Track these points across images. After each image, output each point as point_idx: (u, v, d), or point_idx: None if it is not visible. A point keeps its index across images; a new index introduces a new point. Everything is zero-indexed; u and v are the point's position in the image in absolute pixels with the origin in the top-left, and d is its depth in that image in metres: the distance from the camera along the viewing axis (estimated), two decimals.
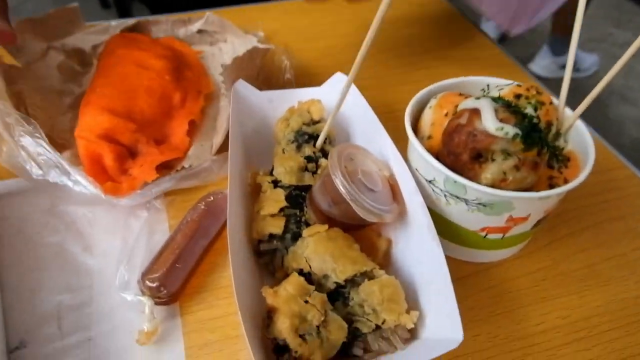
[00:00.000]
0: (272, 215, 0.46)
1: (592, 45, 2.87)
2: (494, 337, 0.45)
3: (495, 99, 0.43)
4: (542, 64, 2.78)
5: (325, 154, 0.52)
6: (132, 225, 0.53)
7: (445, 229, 0.47)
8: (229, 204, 0.43)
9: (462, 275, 0.49)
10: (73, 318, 0.46)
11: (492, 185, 0.41)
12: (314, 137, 0.53)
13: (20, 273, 0.49)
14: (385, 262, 0.48)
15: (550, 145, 0.45)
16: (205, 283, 0.48)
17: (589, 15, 2.51)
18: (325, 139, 0.53)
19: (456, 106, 0.46)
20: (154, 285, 0.45)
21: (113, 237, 0.52)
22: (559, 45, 2.67)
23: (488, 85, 0.52)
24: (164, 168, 0.57)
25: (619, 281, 0.49)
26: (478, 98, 0.43)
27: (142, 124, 0.59)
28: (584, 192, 0.58)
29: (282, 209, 0.46)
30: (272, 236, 0.45)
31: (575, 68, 2.74)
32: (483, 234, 0.46)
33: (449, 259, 0.40)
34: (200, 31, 0.80)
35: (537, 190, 0.42)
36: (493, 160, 0.40)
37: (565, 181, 0.44)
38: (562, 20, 2.61)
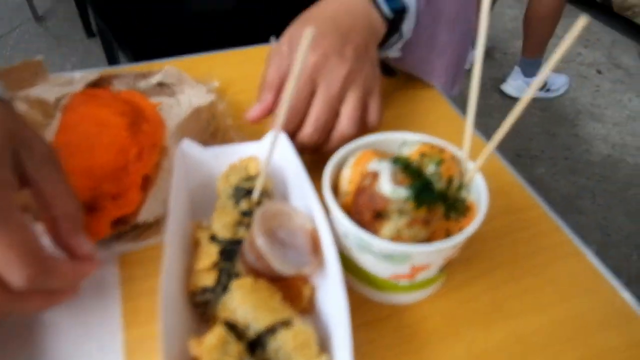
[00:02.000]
0: (206, 269, 0.51)
1: (562, 65, 2.98)
2: None
3: (396, 160, 0.49)
4: (513, 84, 2.88)
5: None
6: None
7: (362, 276, 0.53)
8: (165, 258, 0.48)
9: (379, 317, 0.55)
10: None
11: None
12: (251, 192, 0.59)
13: None
14: (310, 307, 0.53)
15: (450, 199, 0.52)
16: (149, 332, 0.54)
17: (559, 36, 2.61)
18: (261, 192, 0.59)
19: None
20: None
21: None
22: (529, 67, 2.77)
23: (405, 140, 0.58)
24: (120, 224, 0.63)
25: (521, 315, 0.56)
26: (381, 160, 0.49)
27: (100, 180, 0.65)
28: (499, 232, 0.64)
29: (217, 262, 0.52)
30: (205, 288, 0.51)
31: (546, 89, 2.83)
32: (394, 280, 0.52)
33: (369, 302, 0.52)
34: (159, 84, 0.86)
35: (433, 242, 0.48)
36: (390, 219, 0.46)
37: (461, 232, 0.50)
38: (531, 44, 2.70)
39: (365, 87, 0.66)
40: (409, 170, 0.48)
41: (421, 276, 0.51)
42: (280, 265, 0.48)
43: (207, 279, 0.51)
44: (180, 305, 0.50)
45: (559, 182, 2.40)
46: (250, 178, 0.61)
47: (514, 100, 2.70)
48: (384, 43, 0.74)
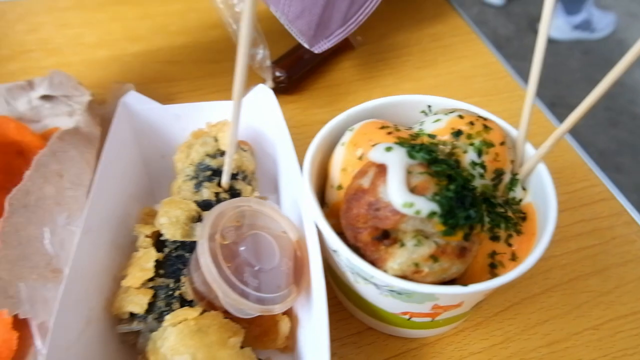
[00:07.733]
0: (137, 287, 0.36)
1: (608, 1, 2.64)
2: None
3: (413, 150, 0.31)
4: (554, 24, 2.57)
5: (237, 196, 0.41)
6: None
7: (361, 304, 0.37)
8: (71, 263, 0.33)
9: (389, 356, 0.39)
10: None
11: (403, 276, 0.30)
12: (219, 173, 0.42)
13: None
14: (290, 346, 0.38)
15: (498, 206, 0.34)
16: None
17: None
18: (237, 174, 0.42)
19: (374, 145, 0.35)
20: None
21: None
22: (572, 3, 2.46)
23: (430, 107, 0.40)
24: None
25: None
26: (391, 147, 0.31)
27: None
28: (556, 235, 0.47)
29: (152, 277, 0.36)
30: (133, 315, 0.36)
31: (590, 28, 2.53)
32: (406, 317, 0.36)
33: (375, 333, 0.38)
34: (47, 97, 0.53)
35: (471, 275, 0.31)
36: (402, 245, 0.29)
37: (514, 258, 0.33)
38: None
39: None
40: (434, 168, 0.30)
41: (446, 314, 0.35)
42: (234, 306, 0.32)
43: (136, 303, 0.35)
44: (95, 333, 0.35)
45: (598, 135, 2.16)
46: (222, 152, 0.44)
47: (554, 42, 2.40)
48: None
